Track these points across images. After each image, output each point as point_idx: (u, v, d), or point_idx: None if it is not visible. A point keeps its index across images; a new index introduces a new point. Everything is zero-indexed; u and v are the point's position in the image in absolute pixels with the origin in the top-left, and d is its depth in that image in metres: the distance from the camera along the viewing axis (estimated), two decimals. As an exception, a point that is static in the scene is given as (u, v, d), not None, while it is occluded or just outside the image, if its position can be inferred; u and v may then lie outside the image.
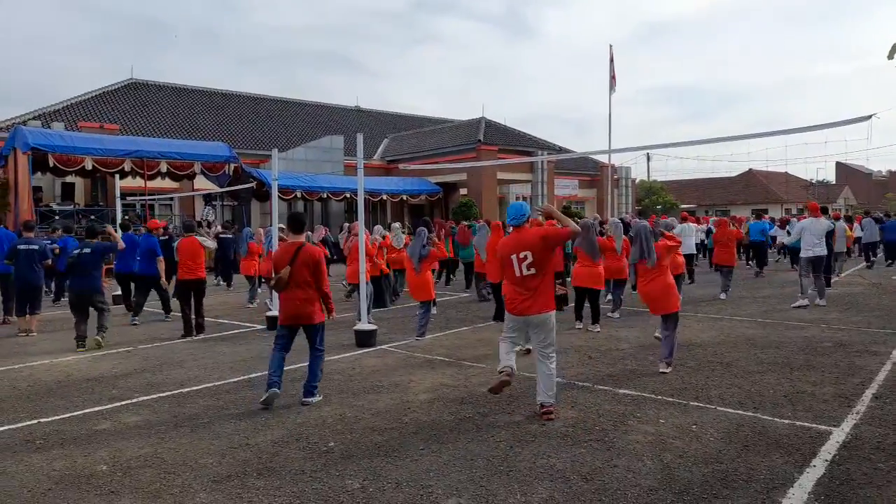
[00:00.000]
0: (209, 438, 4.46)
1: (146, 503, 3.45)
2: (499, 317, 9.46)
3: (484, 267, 10.92)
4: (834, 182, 63.71)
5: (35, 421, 4.94)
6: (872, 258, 18.00)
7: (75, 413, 5.13)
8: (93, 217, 20.37)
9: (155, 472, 3.87)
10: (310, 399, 5.28)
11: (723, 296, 11.43)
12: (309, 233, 10.09)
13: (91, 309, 8.04)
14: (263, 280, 11.49)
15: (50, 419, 4.98)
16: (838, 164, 64.26)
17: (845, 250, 15.18)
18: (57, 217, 18.28)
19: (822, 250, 10.26)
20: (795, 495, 3.41)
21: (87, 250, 8.01)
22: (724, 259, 11.91)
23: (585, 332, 8.39)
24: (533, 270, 4.79)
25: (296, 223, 5.59)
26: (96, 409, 5.25)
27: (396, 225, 12.81)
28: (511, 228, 5.09)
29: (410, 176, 29.51)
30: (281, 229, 9.18)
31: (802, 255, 10.39)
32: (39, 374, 6.54)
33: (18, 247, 8.95)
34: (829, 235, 12.21)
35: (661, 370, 6.10)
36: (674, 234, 10.03)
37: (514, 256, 4.83)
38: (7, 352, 7.78)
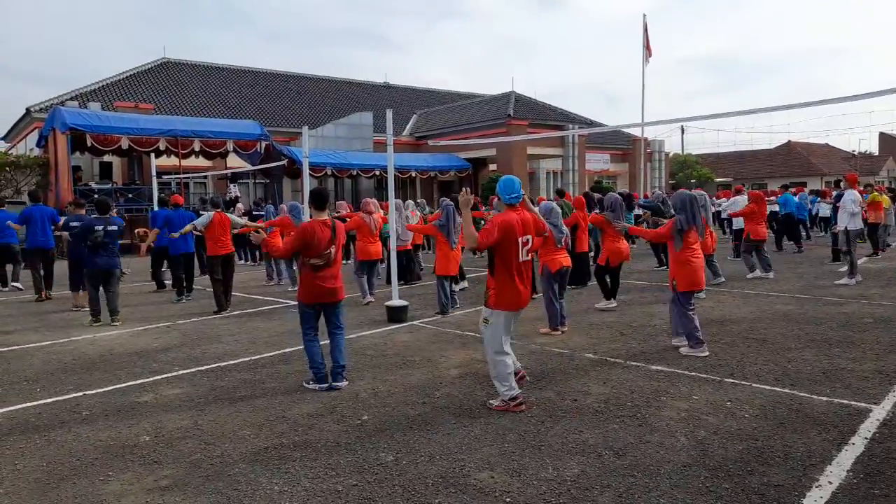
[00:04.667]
0: (247, 411, 4.57)
1: (188, 472, 3.56)
2: None
3: None
4: (877, 153, 61.52)
5: (81, 393, 5.12)
6: None
7: (118, 386, 5.31)
8: (130, 195, 20.85)
9: (195, 443, 3.99)
10: (340, 384, 5.07)
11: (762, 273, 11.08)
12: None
13: (103, 286, 8.18)
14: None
15: (94, 391, 5.16)
16: (882, 135, 61.98)
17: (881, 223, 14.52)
18: (96, 195, 18.73)
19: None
20: (834, 472, 3.36)
21: (114, 227, 8.21)
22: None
23: (601, 308, 8.28)
24: (529, 256, 4.51)
25: (321, 199, 5.31)
26: (138, 382, 5.42)
27: (411, 202, 12.87)
28: (504, 206, 4.52)
29: (440, 152, 29.43)
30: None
31: (852, 227, 9.98)
32: (83, 349, 6.76)
33: (71, 223, 9.19)
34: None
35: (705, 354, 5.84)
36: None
37: (520, 239, 4.38)
38: (53, 326, 8.06)
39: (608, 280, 8.45)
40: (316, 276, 5.12)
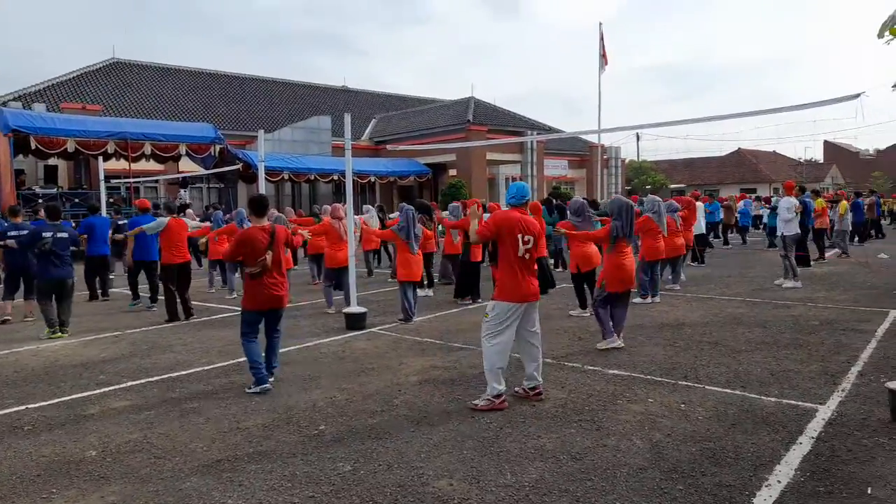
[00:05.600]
0: (199, 423, 4.44)
1: (137, 488, 3.44)
2: (461, 293, 9.48)
3: (454, 248, 10.85)
4: (822, 161, 64.10)
5: (23, 406, 4.90)
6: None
7: (63, 399, 5.09)
8: (77, 200, 20.12)
9: (145, 457, 3.86)
10: (270, 385, 5.17)
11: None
12: (278, 213, 10.01)
13: (55, 297, 7.79)
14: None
15: (37, 405, 4.94)
16: (826, 143, 64.67)
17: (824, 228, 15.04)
18: (40, 200, 18.03)
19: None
20: (782, 472, 3.45)
21: (64, 234, 7.88)
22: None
23: (575, 315, 8.35)
24: (528, 256, 4.74)
25: (260, 206, 5.36)
26: (84, 394, 5.21)
27: (371, 208, 12.84)
28: (508, 207, 4.96)
29: (399, 157, 29.37)
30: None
31: (788, 232, 10.32)
32: (26, 360, 6.48)
33: (9, 234, 8.78)
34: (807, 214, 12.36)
35: (619, 345, 6.31)
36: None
37: (520, 236, 4.71)
38: (-7, 337, 7.70)
39: (585, 287, 8.21)
40: (260, 283, 5.14)
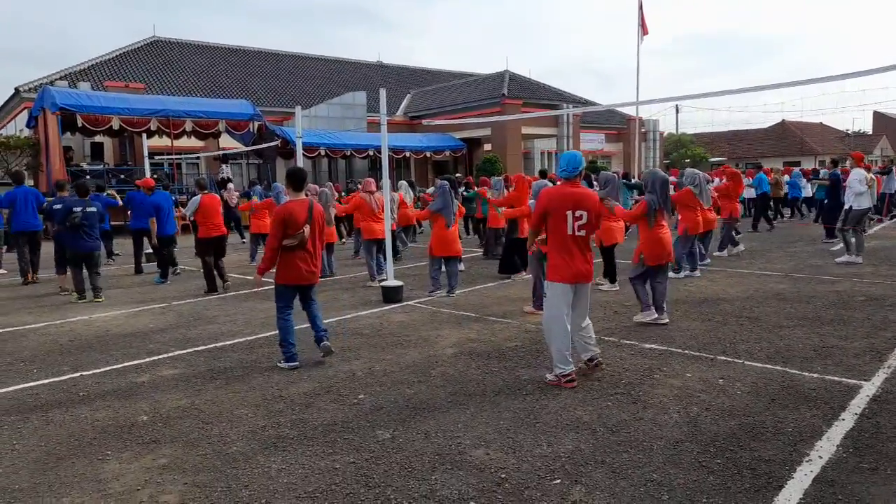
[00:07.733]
0: (244, 391, 4.60)
1: (186, 451, 3.59)
2: (505, 269, 9.44)
3: (497, 222, 10.86)
4: (871, 132, 61.57)
5: (77, 374, 5.14)
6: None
7: (115, 367, 5.32)
8: (122, 176, 20.68)
9: (193, 423, 4.02)
10: (328, 342, 5.29)
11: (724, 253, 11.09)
12: (321, 188, 10.15)
13: (86, 267, 8.38)
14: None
15: (91, 372, 5.17)
16: (876, 114, 61.99)
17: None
18: (87, 176, 18.58)
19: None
20: (823, 447, 3.41)
21: (93, 209, 8.26)
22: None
23: (604, 289, 8.31)
24: (583, 233, 4.50)
25: (297, 180, 5.27)
26: (135, 362, 5.43)
27: (404, 182, 12.86)
28: (560, 181, 4.66)
29: (434, 132, 29.28)
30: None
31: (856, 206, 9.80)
32: (79, 330, 6.76)
33: (54, 207, 9.11)
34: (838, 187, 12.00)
35: (663, 321, 6.23)
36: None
37: (569, 212, 4.45)
38: (46, 308, 8.05)
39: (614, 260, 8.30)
40: (295, 257, 5.12)
